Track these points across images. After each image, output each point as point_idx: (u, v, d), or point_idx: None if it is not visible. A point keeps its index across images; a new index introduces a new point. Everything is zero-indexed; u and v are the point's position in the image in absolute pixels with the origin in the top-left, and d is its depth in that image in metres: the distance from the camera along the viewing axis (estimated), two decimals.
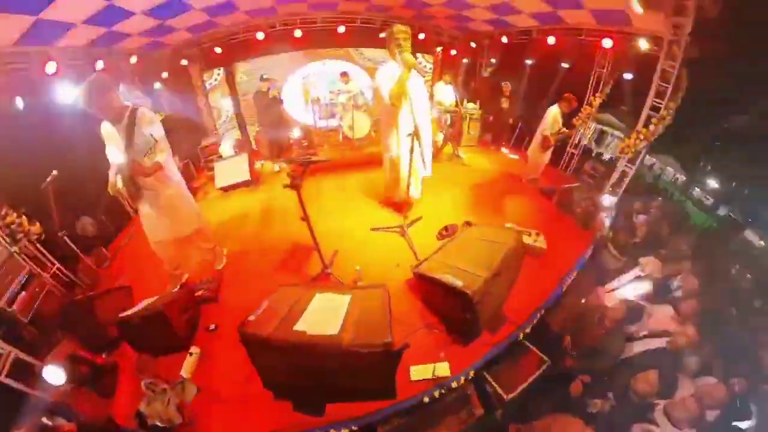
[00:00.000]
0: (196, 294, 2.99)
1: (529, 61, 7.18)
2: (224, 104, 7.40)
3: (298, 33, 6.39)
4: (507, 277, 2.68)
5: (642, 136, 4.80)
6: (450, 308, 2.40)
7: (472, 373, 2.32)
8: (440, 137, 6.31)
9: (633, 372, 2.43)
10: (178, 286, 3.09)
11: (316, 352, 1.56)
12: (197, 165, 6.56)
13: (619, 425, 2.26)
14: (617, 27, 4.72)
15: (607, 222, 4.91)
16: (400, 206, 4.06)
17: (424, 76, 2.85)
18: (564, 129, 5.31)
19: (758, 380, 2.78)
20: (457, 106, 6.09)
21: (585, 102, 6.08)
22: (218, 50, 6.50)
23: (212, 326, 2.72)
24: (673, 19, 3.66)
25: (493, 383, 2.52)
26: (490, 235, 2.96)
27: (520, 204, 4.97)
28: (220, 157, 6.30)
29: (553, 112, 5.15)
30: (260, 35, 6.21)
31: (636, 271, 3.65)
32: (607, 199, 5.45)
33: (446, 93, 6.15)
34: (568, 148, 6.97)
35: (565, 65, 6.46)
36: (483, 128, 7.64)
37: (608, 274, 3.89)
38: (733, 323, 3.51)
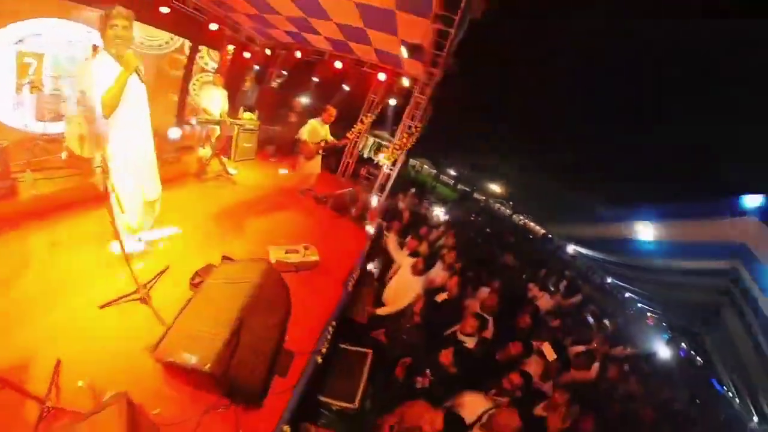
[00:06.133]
0: None
1: (315, 79, 8.39)
2: None
3: None
4: (269, 316, 2.26)
5: (397, 146, 6.79)
6: (212, 386, 1.95)
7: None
8: (206, 152, 5.27)
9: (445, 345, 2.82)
10: None
11: None
12: None
13: (440, 397, 2.48)
14: (391, 66, 6.78)
15: (379, 214, 6.12)
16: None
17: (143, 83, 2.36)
18: (332, 139, 5.58)
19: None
20: (223, 116, 5.28)
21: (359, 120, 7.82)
22: None
23: None
24: (430, 69, 5.96)
25: (334, 402, 2.42)
26: (234, 274, 2.42)
27: (295, 218, 4.85)
28: None
29: (312, 123, 5.35)
30: None
31: (405, 250, 4.55)
32: (377, 196, 7.13)
33: (215, 99, 5.36)
34: (344, 158, 8.70)
35: (346, 88, 8.16)
36: (265, 140, 7.48)
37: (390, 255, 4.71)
38: (480, 247, 6.33)
